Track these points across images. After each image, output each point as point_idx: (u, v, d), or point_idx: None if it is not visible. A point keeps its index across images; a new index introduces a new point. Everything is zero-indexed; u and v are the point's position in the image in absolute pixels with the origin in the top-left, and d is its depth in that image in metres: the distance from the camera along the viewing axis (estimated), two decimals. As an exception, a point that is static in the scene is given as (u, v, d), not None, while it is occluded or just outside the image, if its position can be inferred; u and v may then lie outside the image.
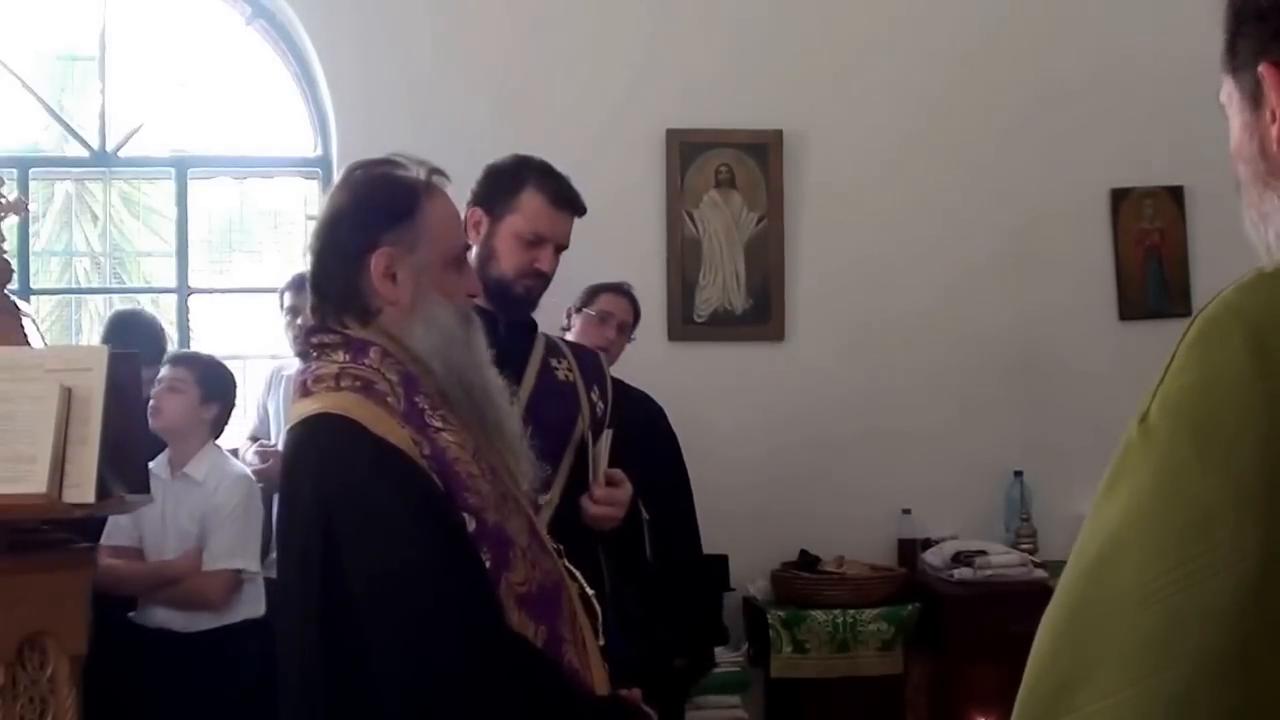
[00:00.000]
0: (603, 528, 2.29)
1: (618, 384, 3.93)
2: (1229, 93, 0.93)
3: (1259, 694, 0.73)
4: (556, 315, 3.95)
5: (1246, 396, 0.76)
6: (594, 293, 4.03)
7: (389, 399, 1.83)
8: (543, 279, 2.48)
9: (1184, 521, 0.76)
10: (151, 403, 3.64)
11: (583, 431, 2.48)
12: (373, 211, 1.90)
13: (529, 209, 2.45)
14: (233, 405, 3.88)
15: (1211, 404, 0.78)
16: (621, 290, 4.08)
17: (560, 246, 2.50)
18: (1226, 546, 0.74)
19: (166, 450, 3.74)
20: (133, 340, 3.79)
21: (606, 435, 2.44)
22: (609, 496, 2.36)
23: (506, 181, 2.50)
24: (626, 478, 2.41)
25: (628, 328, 4.04)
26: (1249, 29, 0.89)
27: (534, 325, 2.59)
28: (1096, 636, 0.77)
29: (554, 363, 2.55)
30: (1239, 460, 0.75)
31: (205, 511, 3.65)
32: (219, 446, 3.84)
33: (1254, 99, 0.90)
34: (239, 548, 3.62)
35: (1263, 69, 0.88)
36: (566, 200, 2.49)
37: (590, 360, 2.70)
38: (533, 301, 2.51)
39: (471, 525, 1.78)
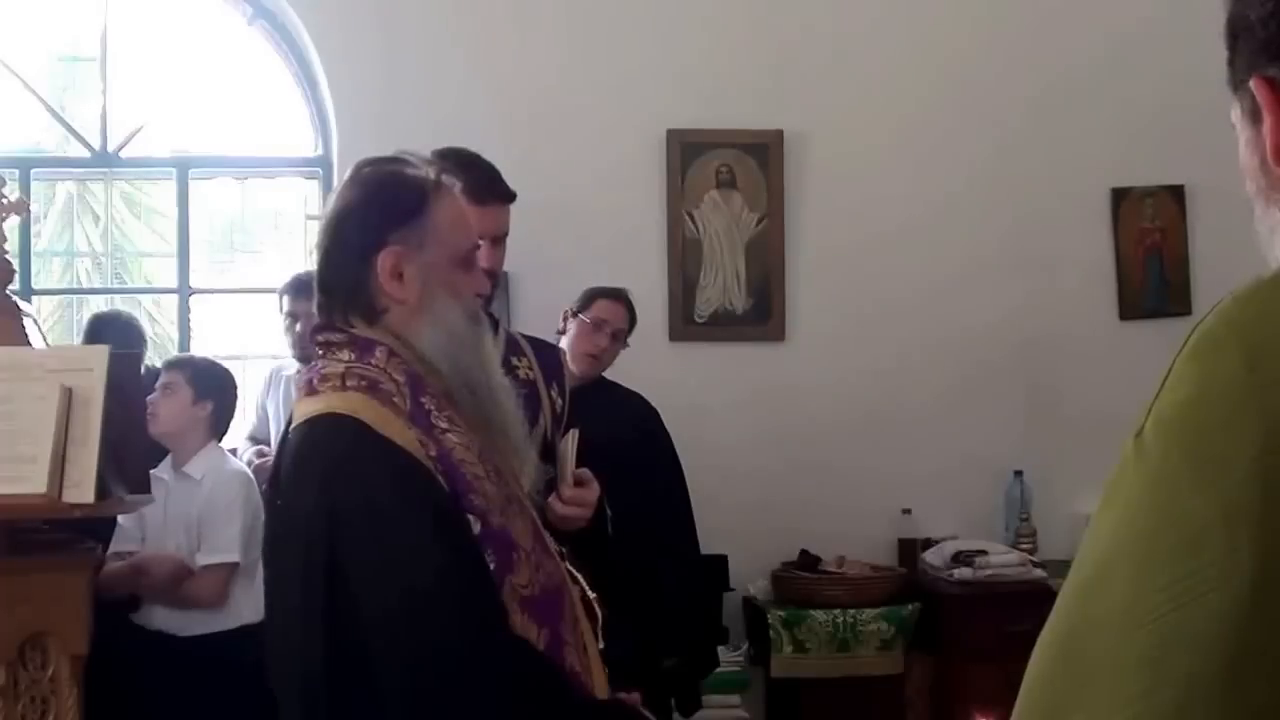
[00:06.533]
0: (569, 528, 2.25)
1: (611, 386, 3.96)
2: (1236, 113, 0.91)
3: (1252, 717, 0.70)
4: (555, 316, 3.96)
5: (1240, 412, 0.74)
6: (591, 298, 3.96)
7: (395, 399, 1.81)
8: (488, 274, 2.38)
9: (1175, 539, 0.73)
10: (149, 409, 3.65)
11: (545, 430, 2.43)
12: (381, 210, 1.88)
13: None
14: (230, 402, 3.87)
15: (1204, 419, 0.76)
16: (618, 296, 4.00)
17: (496, 238, 2.42)
18: (1218, 564, 0.72)
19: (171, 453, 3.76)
20: (110, 341, 3.78)
21: (572, 435, 2.36)
22: (578, 497, 2.29)
23: None
24: (594, 477, 2.34)
25: (622, 335, 3.97)
26: (1242, 44, 0.88)
27: (495, 323, 2.55)
28: (1088, 658, 0.75)
29: (514, 361, 2.50)
30: (1231, 476, 0.73)
31: (201, 509, 3.66)
32: (220, 447, 3.84)
33: (1253, 115, 0.89)
34: (232, 544, 3.62)
35: (1253, 83, 0.87)
36: (486, 192, 2.40)
37: (549, 357, 2.65)
38: (486, 298, 2.42)
39: (477, 527, 1.77)
